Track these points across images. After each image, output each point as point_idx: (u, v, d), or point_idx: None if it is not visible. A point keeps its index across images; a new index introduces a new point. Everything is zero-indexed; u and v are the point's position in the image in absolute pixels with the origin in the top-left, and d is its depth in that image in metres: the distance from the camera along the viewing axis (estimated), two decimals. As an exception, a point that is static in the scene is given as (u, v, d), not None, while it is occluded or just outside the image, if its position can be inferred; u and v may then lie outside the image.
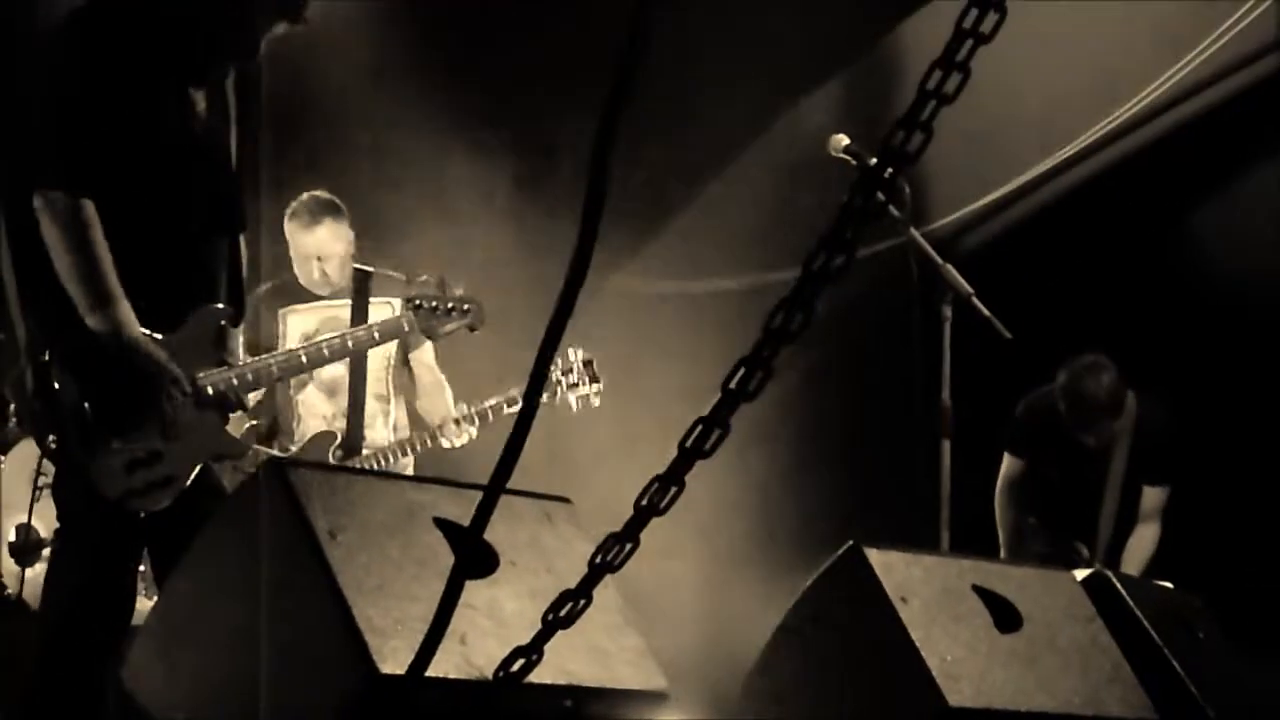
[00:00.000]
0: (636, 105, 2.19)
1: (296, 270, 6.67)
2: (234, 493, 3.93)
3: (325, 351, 5.07)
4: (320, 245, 6.56)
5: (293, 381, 6.50)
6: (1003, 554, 7.44)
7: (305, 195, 6.67)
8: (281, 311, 6.65)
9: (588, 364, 6.41)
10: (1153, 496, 7.43)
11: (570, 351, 6.40)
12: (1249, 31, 7.86)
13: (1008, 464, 7.63)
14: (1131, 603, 4.79)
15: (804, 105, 7.94)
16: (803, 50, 7.86)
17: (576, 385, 6.37)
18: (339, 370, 6.51)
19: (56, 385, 4.24)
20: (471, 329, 5.60)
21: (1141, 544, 7.42)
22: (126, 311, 4.26)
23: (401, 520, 3.42)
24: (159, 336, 4.33)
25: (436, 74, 8.41)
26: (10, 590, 6.73)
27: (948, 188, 8.22)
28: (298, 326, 6.61)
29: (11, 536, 6.82)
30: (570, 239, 2.37)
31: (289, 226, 6.63)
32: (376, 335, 5.40)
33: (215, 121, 4.58)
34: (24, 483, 6.60)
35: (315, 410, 6.61)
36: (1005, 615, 4.26)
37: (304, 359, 5.04)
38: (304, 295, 6.65)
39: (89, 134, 4.28)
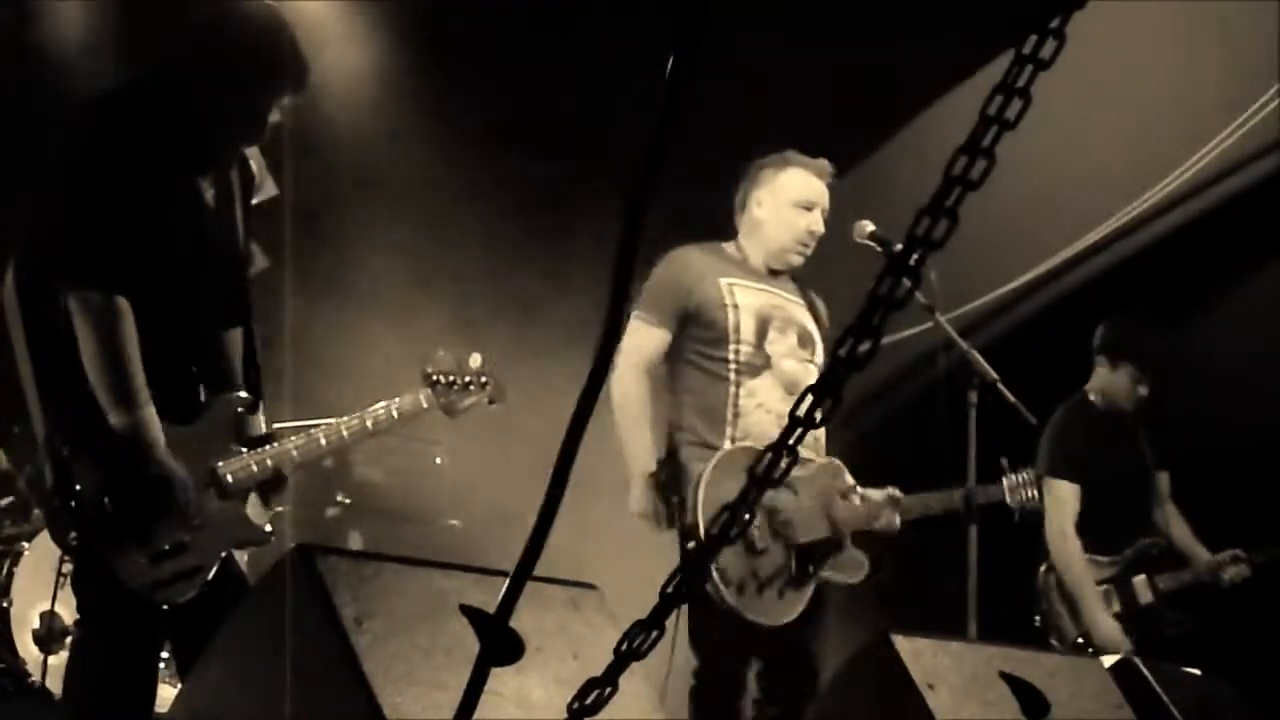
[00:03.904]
0: (663, 187, 2.19)
1: (773, 229, 6.12)
2: (260, 580, 3.93)
3: (344, 433, 4.95)
4: (824, 196, 6.09)
5: (735, 364, 5.93)
6: (1087, 605, 7.20)
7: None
8: (725, 281, 6.01)
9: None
10: (1164, 480, 7.63)
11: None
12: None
13: (1066, 492, 7.31)
14: (1160, 690, 4.76)
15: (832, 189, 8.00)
16: (830, 133, 7.90)
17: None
18: (795, 365, 5.98)
19: (76, 479, 4.24)
20: (491, 402, 5.46)
21: (1179, 522, 7.56)
22: (150, 416, 4.24)
23: (428, 608, 3.42)
24: (179, 429, 4.33)
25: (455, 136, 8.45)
26: (34, 678, 6.72)
27: (973, 273, 8.24)
28: (749, 302, 6.01)
29: (35, 624, 6.81)
30: (591, 323, 2.36)
31: (781, 174, 6.13)
32: (395, 414, 5.25)
33: (221, 209, 4.54)
34: (48, 570, 6.60)
35: (771, 406, 5.92)
36: (1033, 702, 4.24)
37: (324, 442, 4.85)
38: (735, 267, 6.10)
39: (117, 229, 4.25)
